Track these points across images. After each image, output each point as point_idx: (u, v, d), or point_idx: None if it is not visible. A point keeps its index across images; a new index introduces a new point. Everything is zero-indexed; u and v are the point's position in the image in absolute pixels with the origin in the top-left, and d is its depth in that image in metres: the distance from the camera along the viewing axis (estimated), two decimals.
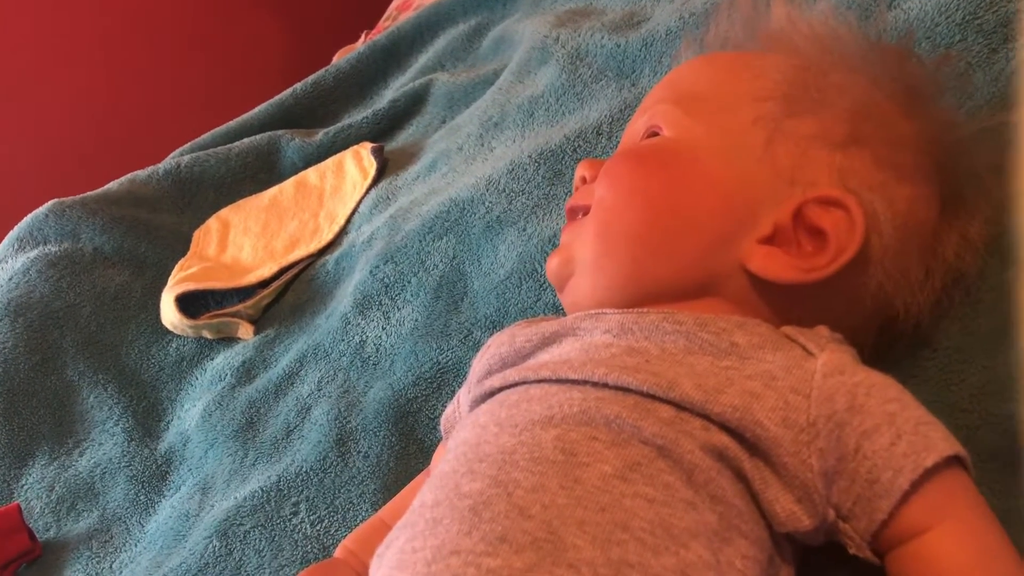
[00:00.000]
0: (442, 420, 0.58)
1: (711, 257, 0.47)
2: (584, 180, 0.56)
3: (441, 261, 0.82)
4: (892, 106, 0.48)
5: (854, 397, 0.40)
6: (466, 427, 0.46)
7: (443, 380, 0.72)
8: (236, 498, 0.72)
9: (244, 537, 0.69)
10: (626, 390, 0.41)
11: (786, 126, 0.48)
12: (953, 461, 0.39)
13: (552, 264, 0.54)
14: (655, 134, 0.53)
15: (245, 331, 0.95)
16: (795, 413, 0.39)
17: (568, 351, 0.47)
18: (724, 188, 0.48)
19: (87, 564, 0.79)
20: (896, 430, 0.39)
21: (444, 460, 0.45)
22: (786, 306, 0.47)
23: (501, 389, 0.47)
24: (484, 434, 0.43)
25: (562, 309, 0.61)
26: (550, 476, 0.38)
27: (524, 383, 0.45)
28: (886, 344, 0.50)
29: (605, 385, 0.42)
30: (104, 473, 0.87)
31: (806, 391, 0.40)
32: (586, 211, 0.53)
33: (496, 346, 0.51)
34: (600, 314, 0.48)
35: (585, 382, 0.43)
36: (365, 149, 1.11)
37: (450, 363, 0.73)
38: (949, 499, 0.38)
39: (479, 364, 0.52)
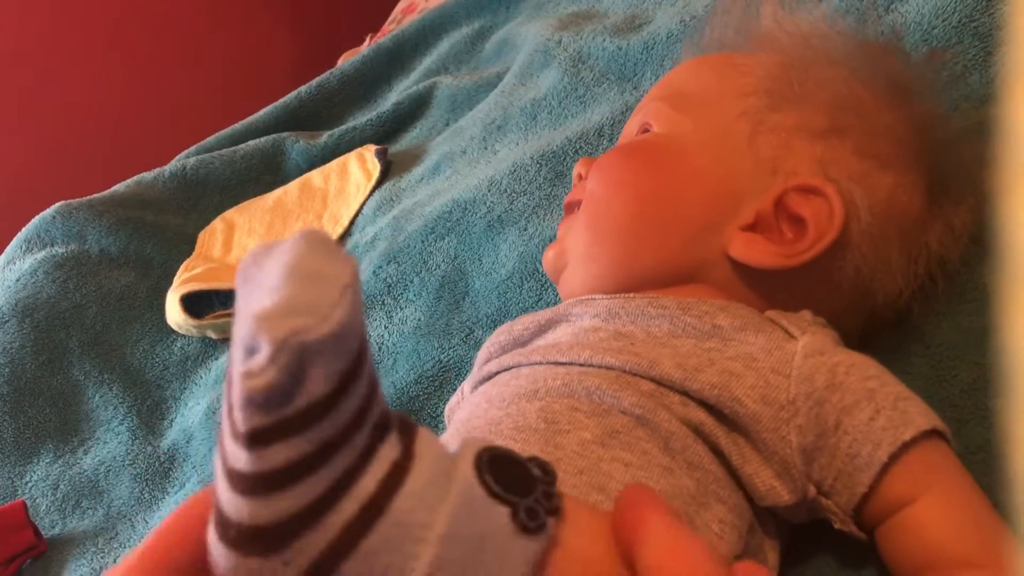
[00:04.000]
0: (446, 410, 0.60)
1: (696, 245, 0.49)
2: (580, 177, 0.58)
3: (443, 261, 0.83)
4: (873, 98, 0.49)
5: (834, 375, 0.40)
6: (463, 408, 0.48)
7: (445, 378, 0.73)
8: None
9: None
10: (609, 368, 0.43)
11: (769, 119, 0.49)
12: (933, 435, 0.39)
13: (548, 256, 0.56)
14: (647, 131, 0.55)
15: None
16: (774, 392, 0.40)
17: (560, 336, 0.48)
18: (709, 179, 0.49)
19: (91, 559, 0.79)
20: (875, 405, 0.39)
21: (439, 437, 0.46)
22: (769, 291, 0.48)
23: (497, 373, 0.49)
24: (476, 410, 0.45)
25: None
26: (532, 443, 0.39)
27: (517, 366, 0.47)
28: (875, 332, 0.51)
29: (590, 366, 0.43)
30: (109, 471, 0.87)
31: (786, 371, 0.41)
32: (581, 206, 0.54)
33: (497, 335, 0.53)
34: (590, 300, 0.50)
35: (571, 364, 0.44)
36: (369, 151, 1.11)
37: (452, 361, 0.74)
38: (931, 471, 0.39)
39: (481, 353, 0.54)
